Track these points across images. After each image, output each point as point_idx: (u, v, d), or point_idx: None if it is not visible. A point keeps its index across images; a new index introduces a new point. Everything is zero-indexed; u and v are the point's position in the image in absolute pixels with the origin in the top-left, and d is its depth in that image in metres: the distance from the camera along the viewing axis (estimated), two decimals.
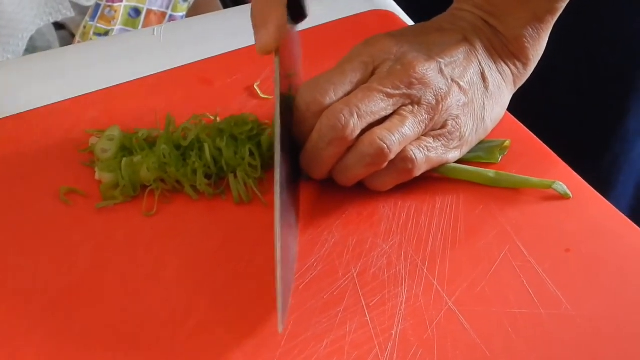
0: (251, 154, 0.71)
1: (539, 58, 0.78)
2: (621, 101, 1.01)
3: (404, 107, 0.69)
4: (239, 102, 0.80)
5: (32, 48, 1.88)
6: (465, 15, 0.76)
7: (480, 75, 0.74)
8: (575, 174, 0.72)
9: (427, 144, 0.70)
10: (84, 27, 1.92)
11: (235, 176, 0.71)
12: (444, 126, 0.71)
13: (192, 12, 2.03)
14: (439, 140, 0.71)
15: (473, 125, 0.73)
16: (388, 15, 0.94)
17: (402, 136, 0.68)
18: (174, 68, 0.86)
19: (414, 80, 0.69)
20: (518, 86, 0.78)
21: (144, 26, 1.95)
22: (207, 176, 0.71)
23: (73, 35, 1.97)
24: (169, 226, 0.68)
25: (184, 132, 0.73)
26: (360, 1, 0.96)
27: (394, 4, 0.97)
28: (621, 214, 0.69)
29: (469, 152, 0.74)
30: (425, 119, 0.70)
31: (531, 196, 0.70)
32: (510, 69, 0.76)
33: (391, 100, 0.69)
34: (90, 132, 0.76)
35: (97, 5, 1.92)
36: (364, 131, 0.68)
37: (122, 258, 0.66)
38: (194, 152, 0.71)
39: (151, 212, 0.69)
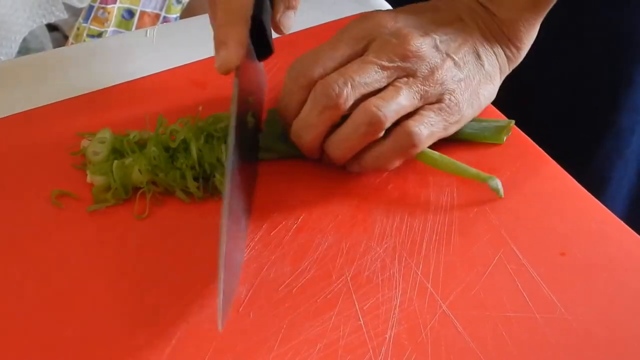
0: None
1: (531, 43, 0.78)
2: (614, 97, 1.01)
3: (398, 79, 0.70)
4: (229, 103, 0.79)
5: (25, 50, 1.88)
6: None
7: (475, 53, 0.74)
8: (569, 176, 0.72)
9: (430, 119, 0.70)
10: (77, 28, 1.92)
11: (214, 176, 0.70)
12: (441, 100, 0.71)
13: (186, 13, 2.03)
14: (440, 115, 0.71)
15: (469, 100, 0.73)
16: None
17: (397, 105, 0.68)
18: (167, 70, 0.85)
19: (408, 53, 0.70)
20: (510, 69, 0.78)
21: (137, 28, 1.95)
22: (195, 178, 0.70)
23: (66, 37, 1.96)
24: (161, 229, 0.68)
25: (173, 135, 0.72)
26: (353, 4, 0.96)
27: (388, 6, 0.96)
28: (616, 217, 0.68)
29: (475, 129, 0.75)
30: (420, 89, 0.70)
31: (525, 199, 0.70)
32: (505, 52, 0.77)
33: (386, 72, 0.69)
34: (81, 135, 0.75)
35: (91, 7, 1.92)
36: (358, 104, 0.68)
37: (113, 261, 0.65)
38: (181, 154, 0.70)
39: (143, 215, 0.69)
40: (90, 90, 0.82)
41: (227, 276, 0.57)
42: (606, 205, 1.00)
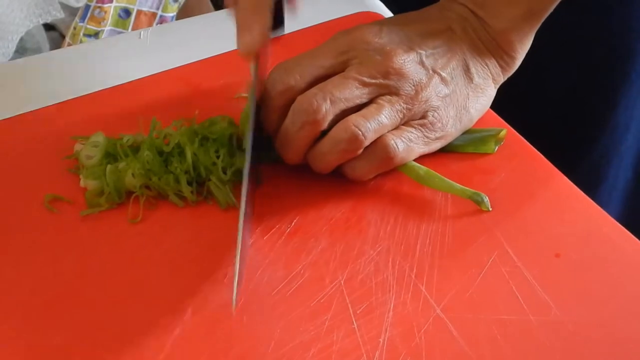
0: (218, 156, 0.71)
1: (525, 53, 0.78)
2: (610, 94, 1.01)
3: (381, 96, 0.70)
4: (224, 105, 0.79)
5: (22, 49, 1.87)
6: (454, 6, 0.76)
7: (464, 66, 0.74)
8: (564, 177, 0.72)
9: (409, 134, 0.70)
10: (74, 28, 1.91)
11: (210, 180, 0.70)
12: (424, 117, 0.71)
13: (183, 13, 2.03)
14: (421, 131, 0.71)
15: (456, 115, 0.73)
16: (377, 18, 0.93)
17: (377, 123, 0.68)
18: (161, 72, 0.85)
19: (391, 70, 0.70)
20: (503, 79, 0.78)
21: (134, 27, 1.95)
22: (189, 182, 0.70)
23: (63, 36, 1.96)
24: (154, 233, 0.68)
25: (167, 138, 0.72)
26: (349, 3, 0.95)
27: (383, 6, 0.96)
28: (611, 218, 0.68)
29: (463, 142, 0.74)
30: (403, 108, 0.70)
31: (520, 200, 0.70)
32: (497, 62, 0.76)
33: (367, 89, 0.69)
34: (74, 139, 0.75)
35: (87, 7, 1.91)
36: (339, 119, 0.68)
37: (107, 266, 0.65)
38: (175, 158, 0.70)
39: (136, 219, 0.69)
40: (84, 93, 0.82)
41: (241, 261, 0.59)
42: (602, 201, 1.00)
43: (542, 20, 0.76)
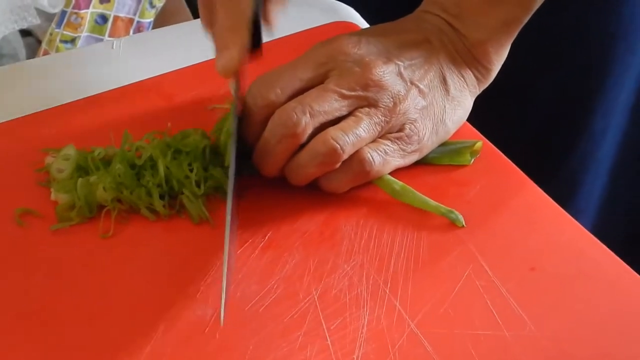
0: (191, 170, 0.70)
1: (500, 64, 0.78)
2: (587, 101, 1.01)
3: (359, 109, 0.69)
4: (197, 117, 0.78)
5: None
6: (429, 17, 0.76)
7: (440, 78, 0.73)
8: (539, 189, 0.71)
9: (385, 147, 0.70)
10: (50, 34, 1.90)
11: (182, 194, 0.70)
12: (401, 129, 0.71)
13: (160, 19, 2.02)
14: (397, 144, 0.71)
15: (433, 128, 0.72)
16: (351, 27, 0.93)
17: (356, 137, 0.68)
18: (133, 83, 0.84)
19: (370, 82, 0.69)
20: (480, 90, 0.78)
21: (111, 33, 1.94)
22: (161, 196, 0.69)
23: (39, 42, 1.95)
24: (126, 248, 0.67)
25: (139, 151, 0.71)
26: (324, 13, 0.95)
27: (358, 15, 0.96)
28: (586, 230, 0.68)
29: (439, 154, 0.74)
30: (382, 121, 0.69)
31: (495, 213, 0.69)
32: (473, 73, 0.76)
33: (346, 101, 0.69)
34: (45, 151, 0.74)
35: (63, 12, 1.90)
36: (318, 132, 0.68)
37: (77, 281, 0.64)
38: (147, 172, 0.69)
39: (108, 234, 0.68)
40: (55, 105, 0.81)
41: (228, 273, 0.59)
42: (580, 207, 1.00)
43: (517, 31, 0.76)
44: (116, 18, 1.95)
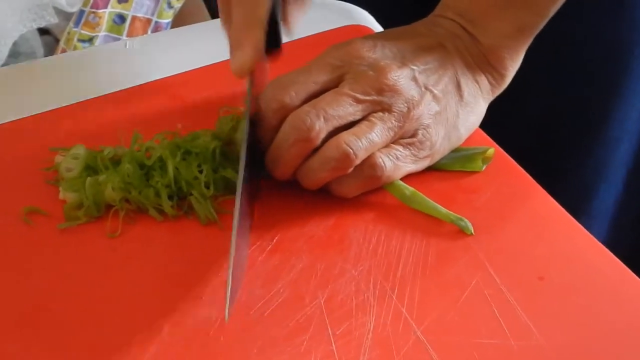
0: (200, 171, 0.70)
1: (516, 69, 0.77)
2: (603, 107, 1.00)
3: (373, 114, 0.69)
4: (208, 119, 0.78)
5: (15, 54, 1.87)
6: (444, 22, 0.76)
7: (455, 83, 0.73)
8: (551, 198, 0.71)
9: (397, 152, 0.70)
10: (68, 33, 1.90)
11: (191, 195, 0.69)
12: (414, 135, 0.70)
13: (178, 19, 2.02)
14: (409, 149, 0.70)
15: (445, 133, 0.72)
16: (366, 31, 0.92)
17: (369, 142, 0.67)
18: (145, 83, 0.84)
19: (384, 87, 0.69)
20: (494, 96, 0.77)
21: (128, 33, 1.94)
22: (170, 196, 0.69)
23: (58, 41, 1.95)
24: (133, 248, 0.67)
25: (149, 151, 0.71)
26: (338, 16, 0.95)
27: (372, 19, 0.95)
28: (596, 240, 0.67)
29: (450, 160, 0.74)
30: (395, 126, 0.69)
31: (504, 221, 0.69)
32: (487, 79, 0.75)
33: (360, 105, 0.68)
34: (55, 150, 0.74)
35: (81, 12, 1.90)
36: (332, 136, 0.67)
37: (83, 281, 0.64)
38: (157, 172, 0.69)
39: (115, 234, 0.68)
40: (67, 103, 0.81)
41: (235, 270, 0.58)
42: (593, 215, 0.99)
43: (533, 37, 0.76)
44: (134, 18, 1.96)
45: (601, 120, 1.01)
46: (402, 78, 0.70)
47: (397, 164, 0.70)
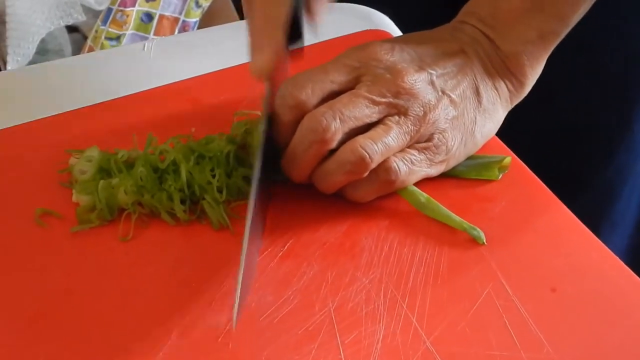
0: (213, 175, 0.70)
1: (536, 78, 0.76)
2: (626, 112, 1.00)
3: (389, 117, 0.68)
4: (223, 122, 0.77)
5: (43, 51, 1.88)
6: (465, 28, 0.75)
7: (473, 88, 0.72)
8: (566, 209, 0.70)
9: (412, 157, 0.69)
10: (96, 31, 1.91)
11: (204, 199, 0.69)
12: (429, 139, 0.70)
13: (206, 18, 2.02)
14: (424, 154, 0.70)
15: (462, 139, 0.71)
16: (385, 35, 0.92)
17: (385, 146, 0.67)
18: (162, 86, 0.84)
19: (401, 90, 0.68)
20: (514, 104, 0.76)
21: (156, 31, 1.95)
22: (182, 201, 0.69)
23: (85, 38, 1.96)
24: (144, 252, 0.67)
25: (163, 155, 0.71)
26: (358, 21, 0.94)
27: (392, 24, 0.95)
28: (612, 253, 0.66)
29: (467, 167, 0.73)
30: (411, 130, 0.68)
31: (518, 231, 0.68)
32: (507, 86, 0.75)
33: (376, 107, 0.68)
34: (69, 152, 0.74)
35: (109, 10, 1.91)
36: (348, 138, 0.67)
37: (94, 284, 0.64)
38: (170, 176, 0.69)
39: (127, 237, 0.68)
40: (83, 105, 0.81)
41: (245, 276, 0.58)
42: (615, 221, 0.98)
43: (554, 45, 0.75)
44: (161, 17, 1.96)
45: (623, 127, 1.01)
46: (419, 82, 0.69)
47: (412, 168, 0.69)
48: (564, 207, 0.70)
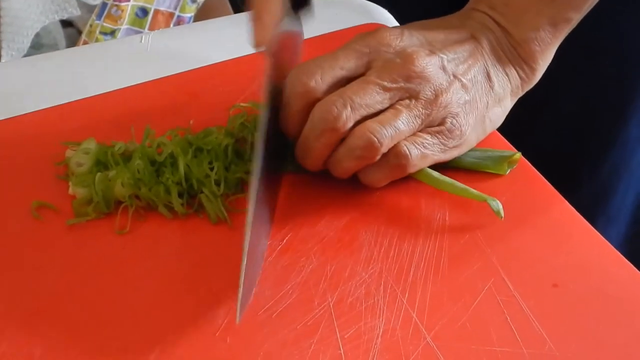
0: (211, 168, 0.69)
1: (546, 65, 0.76)
2: (622, 108, 1.00)
3: (400, 101, 0.68)
4: (221, 115, 0.77)
5: (38, 45, 1.87)
6: (476, 15, 0.75)
7: (485, 73, 0.72)
8: (568, 204, 0.70)
9: (424, 141, 0.69)
10: (90, 25, 1.91)
11: (202, 193, 0.69)
12: (442, 123, 0.70)
13: (201, 14, 2.02)
14: (437, 137, 0.69)
15: (474, 124, 0.71)
16: None
17: (394, 130, 0.66)
18: (159, 78, 0.83)
19: (412, 74, 0.68)
20: (524, 91, 0.76)
21: (151, 26, 1.94)
22: (180, 194, 0.68)
23: (80, 33, 1.95)
24: (141, 246, 0.66)
25: (160, 148, 0.70)
26: (357, 14, 0.94)
27: (392, 18, 0.95)
28: (614, 248, 0.66)
29: (476, 160, 0.73)
30: (422, 113, 0.68)
31: (520, 226, 0.67)
32: (518, 73, 0.74)
33: (388, 94, 0.67)
34: (66, 145, 0.73)
35: (104, 4, 1.91)
36: (358, 124, 0.67)
37: (90, 278, 0.63)
38: (167, 169, 0.68)
39: (124, 231, 0.67)
40: (80, 97, 0.81)
41: (248, 268, 0.57)
42: (611, 216, 0.97)
43: (566, 33, 0.75)
44: (157, 12, 1.96)
45: (619, 122, 1.00)
46: (430, 65, 0.69)
47: (424, 152, 0.68)
48: (566, 202, 0.70)
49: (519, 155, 0.73)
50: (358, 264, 0.64)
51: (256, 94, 0.75)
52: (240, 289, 0.56)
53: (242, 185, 0.70)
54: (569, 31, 0.75)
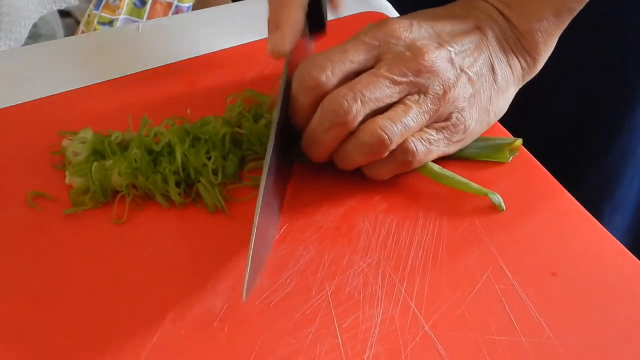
0: (209, 158, 0.69)
1: (548, 55, 0.76)
2: (628, 95, 0.99)
3: (409, 96, 0.68)
4: (218, 104, 0.76)
5: (35, 35, 1.87)
6: (481, 5, 0.75)
7: (489, 66, 0.72)
8: (568, 193, 0.69)
9: (429, 136, 0.69)
10: (88, 15, 1.90)
11: (199, 182, 0.68)
12: (448, 118, 0.70)
13: (199, 3, 2.01)
14: (442, 133, 0.69)
15: (478, 117, 0.71)
16: (382, 17, 0.91)
17: (404, 127, 0.66)
18: (156, 67, 0.83)
19: (422, 68, 0.68)
20: (525, 81, 0.76)
21: (149, 16, 1.94)
22: (177, 183, 0.68)
23: (78, 23, 1.95)
24: (138, 235, 0.66)
25: (158, 137, 0.70)
26: (355, 3, 0.93)
27: (389, 6, 0.94)
28: (613, 237, 0.65)
29: (477, 149, 0.73)
30: (430, 109, 0.68)
31: (519, 215, 0.67)
32: (520, 63, 0.74)
33: (397, 87, 0.67)
34: (62, 134, 0.73)
35: None
36: (367, 118, 0.66)
37: (87, 268, 0.63)
38: (165, 158, 0.68)
39: (121, 220, 0.67)
40: (77, 86, 0.81)
41: (256, 246, 0.57)
42: (618, 201, 0.97)
43: (568, 22, 0.75)
44: (155, 1, 1.95)
45: (626, 109, 1.00)
46: (440, 59, 0.69)
47: (430, 148, 0.69)
48: (565, 191, 0.69)
49: (520, 141, 0.72)
50: (356, 253, 0.64)
51: (254, 83, 0.75)
52: (248, 265, 0.56)
53: (239, 175, 0.70)
54: (570, 20, 0.75)
